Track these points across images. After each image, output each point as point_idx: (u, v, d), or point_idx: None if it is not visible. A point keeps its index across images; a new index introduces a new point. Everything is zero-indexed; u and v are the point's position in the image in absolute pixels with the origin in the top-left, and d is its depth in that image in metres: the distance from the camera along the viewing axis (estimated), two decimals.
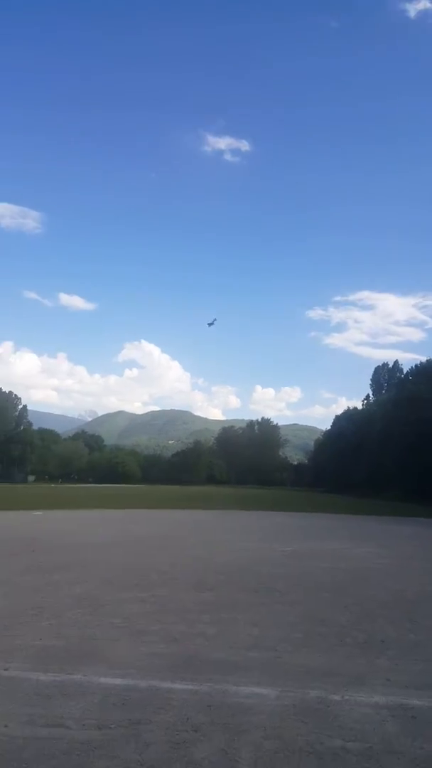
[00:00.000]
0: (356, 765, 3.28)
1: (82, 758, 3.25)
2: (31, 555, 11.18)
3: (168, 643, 5.57)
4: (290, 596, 7.99)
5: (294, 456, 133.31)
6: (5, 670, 4.64)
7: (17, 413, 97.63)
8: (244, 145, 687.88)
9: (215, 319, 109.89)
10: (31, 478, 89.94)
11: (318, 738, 3.60)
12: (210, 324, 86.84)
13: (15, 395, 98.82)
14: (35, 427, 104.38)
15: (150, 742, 3.47)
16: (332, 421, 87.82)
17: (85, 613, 6.61)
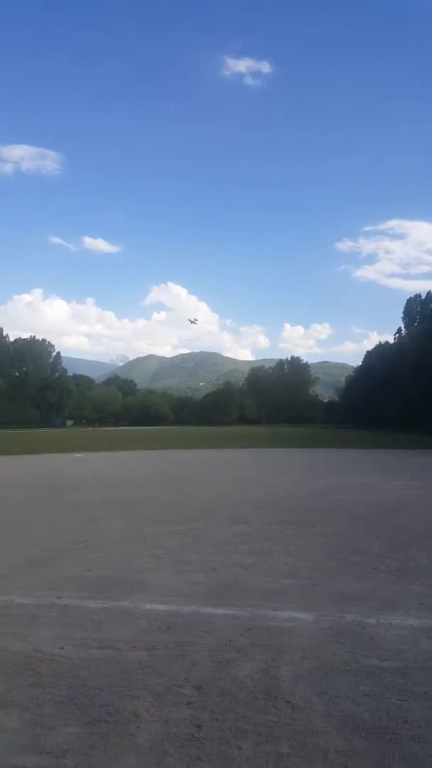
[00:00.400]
0: (391, 681, 3.46)
1: (134, 676, 3.50)
2: (75, 494, 11.70)
3: (207, 572, 5.84)
4: (323, 527, 8.20)
5: (324, 394, 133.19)
6: (58, 598, 4.97)
7: (52, 360, 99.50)
8: (265, 67, 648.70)
9: (196, 319, 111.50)
10: (69, 422, 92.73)
11: (354, 657, 3.79)
12: (192, 321, 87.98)
13: (48, 342, 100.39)
14: (69, 373, 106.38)
15: (195, 662, 3.71)
16: (363, 356, 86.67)
17: (129, 546, 6.95)
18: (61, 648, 3.89)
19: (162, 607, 4.75)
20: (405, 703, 3.21)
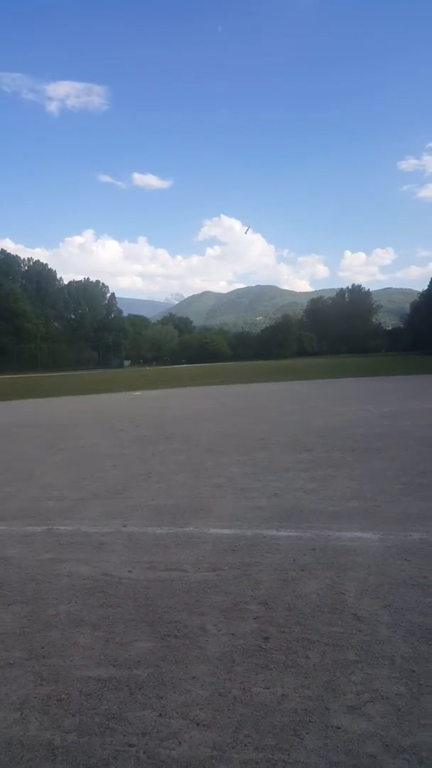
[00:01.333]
0: None
1: (201, 595, 3.61)
2: (136, 430, 12.04)
3: (270, 498, 5.88)
4: (388, 452, 8.05)
5: (389, 321, 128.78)
6: (124, 526, 5.16)
7: (107, 302, 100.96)
8: None
9: (248, 228, 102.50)
10: (126, 362, 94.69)
11: (421, 572, 3.74)
12: (245, 231, 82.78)
13: (102, 284, 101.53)
14: (125, 313, 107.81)
15: (260, 580, 3.78)
16: (430, 281, 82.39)
17: (191, 477, 7.10)
18: (129, 571, 4.06)
19: (226, 531, 4.84)
20: None
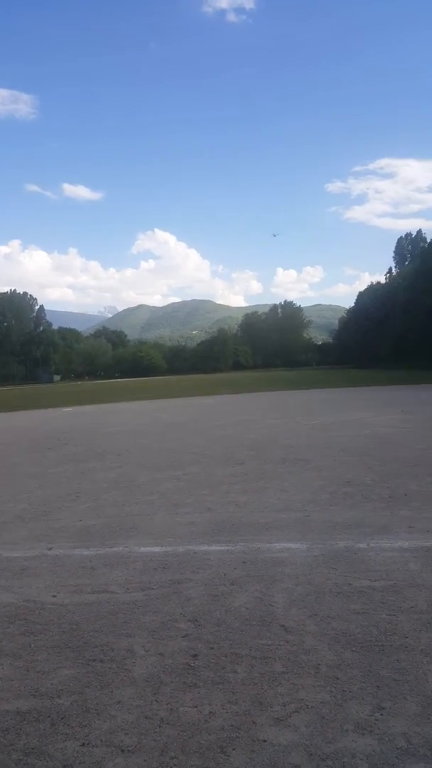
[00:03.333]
0: (381, 599, 3.53)
1: (128, 616, 3.53)
2: (65, 447, 11.68)
3: (202, 513, 5.88)
4: (317, 463, 8.27)
5: (319, 336, 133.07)
6: (49, 549, 4.97)
7: (35, 314, 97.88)
8: (248, 2, 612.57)
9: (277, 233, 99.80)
10: (56, 377, 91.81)
11: (346, 580, 3.85)
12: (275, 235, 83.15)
13: (30, 295, 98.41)
14: (55, 326, 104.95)
15: (191, 597, 3.75)
16: (356, 298, 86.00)
17: (122, 494, 6.97)
18: (54, 596, 3.91)
19: (157, 549, 4.78)
20: (394, 617, 3.29)
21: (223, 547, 4.72)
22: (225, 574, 4.11)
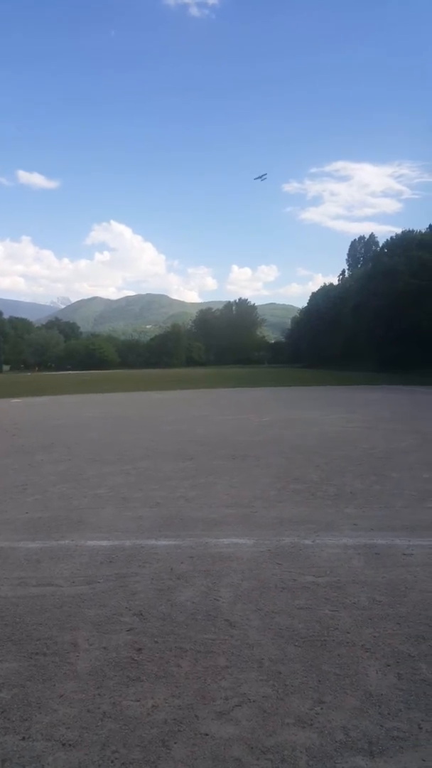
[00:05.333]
0: (325, 595, 3.63)
1: (73, 609, 3.49)
2: (12, 439, 11.38)
3: (151, 507, 5.86)
4: (265, 460, 8.39)
5: (271, 335, 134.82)
6: None
7: None
8: None
9: (265, 174, 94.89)
10: (5, 367, 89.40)
11: (291, 576, 3.94)
12: (261, 178, 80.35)
13: None
14: (5, 316, 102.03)
15: (136, 591, 3.74)
16: (309, 298, 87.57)
17: (70, 487, 6.86)
18: None
19: (104, 543, 4.74)
20: (336, 612, 3.39)
21: (170, 542, 4.72)
22: (172, 569, 4.12)
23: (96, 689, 2.65)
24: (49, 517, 5.59)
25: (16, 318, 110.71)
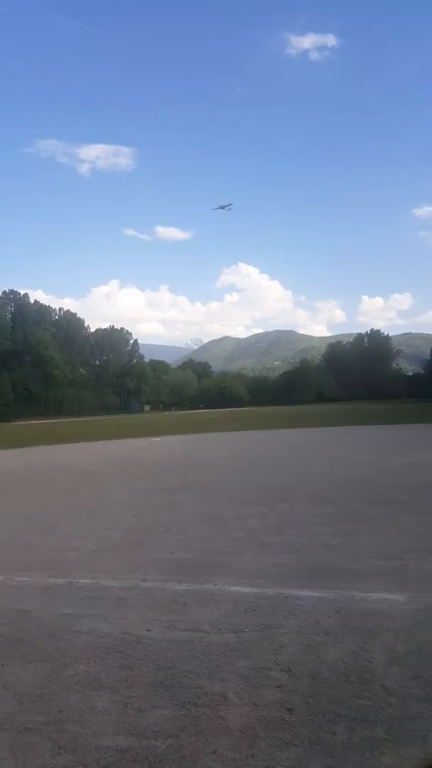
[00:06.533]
0: None
1: (221, 658, 3.49)
2: (155, 477, 11.98)
3: (291, 554, 5.75)
4: (413, 506, 7.86)
5: (409, 367, 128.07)
6: (143, 581, 5.07)
7: (129, 348, 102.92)
8: (331, 40, 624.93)
9: (230, 204, 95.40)
10: (147, 407, 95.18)
11: None
12: (225, 207, 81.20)
13: (126, 330, 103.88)
14: (146, 359, 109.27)
15: (283, 644, 3.65)
16: None
17: (210, 529, 6.99)
18: (148, 630, 3.96)
19: (247, 590, 4.72)
20: None
21: (314, 593, 4.56)
22: (318, 623, 3.97)
23: (248, 749, 2.60)
24: (193, 558, 5.73)
25: (155, 360, 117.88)
